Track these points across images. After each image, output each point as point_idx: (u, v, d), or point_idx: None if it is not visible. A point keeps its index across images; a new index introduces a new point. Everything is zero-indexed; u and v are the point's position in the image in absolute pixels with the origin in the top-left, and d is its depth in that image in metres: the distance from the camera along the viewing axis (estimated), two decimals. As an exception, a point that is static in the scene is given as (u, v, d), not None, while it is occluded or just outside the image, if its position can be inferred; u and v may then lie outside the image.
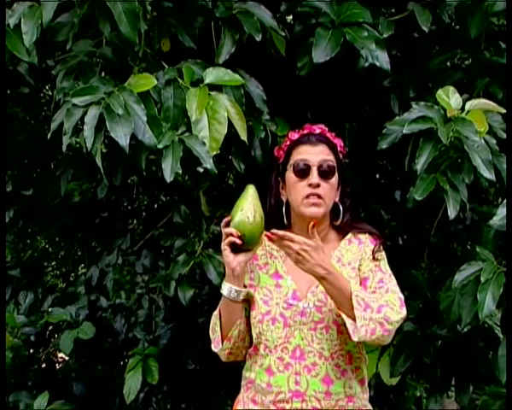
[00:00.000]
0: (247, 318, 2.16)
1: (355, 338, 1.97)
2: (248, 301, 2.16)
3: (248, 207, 2.07)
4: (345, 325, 1.99)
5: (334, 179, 2.13)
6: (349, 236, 2.20)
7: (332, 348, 2.05)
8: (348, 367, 2.08)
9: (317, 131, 2.17)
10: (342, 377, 2.06)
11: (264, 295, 2.12)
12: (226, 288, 2.10)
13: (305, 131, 2.18)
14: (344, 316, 1.98)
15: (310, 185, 2.09)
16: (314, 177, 2.09)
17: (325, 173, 2.11)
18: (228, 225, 2.07)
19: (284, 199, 2.20)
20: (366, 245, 2.17)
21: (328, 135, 2.18)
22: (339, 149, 2.19)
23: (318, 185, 2.09)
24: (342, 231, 2.21)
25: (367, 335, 1.96)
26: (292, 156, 2.16)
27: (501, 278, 2.51)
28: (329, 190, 2.12)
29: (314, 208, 2.10)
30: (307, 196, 2.10)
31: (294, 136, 2.19)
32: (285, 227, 2.17)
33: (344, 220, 2.19)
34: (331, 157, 2.14)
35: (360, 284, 2.10)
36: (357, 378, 2.11)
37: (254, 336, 2.12)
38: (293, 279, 2.12)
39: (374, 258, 2.14)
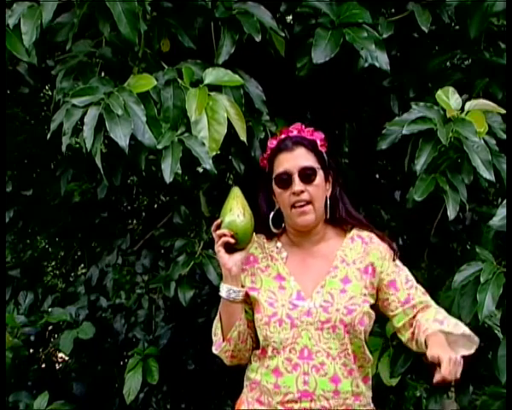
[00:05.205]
0: (249, 321, 2.16)
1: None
2: (251, 304, 2.16)
3: (237, 207, 2.10)
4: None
5: (319, 179, 2.12)
6: (352, 233, 2.18)
7: (339, 348, 2.06)
8: (354, 366, 2.09)
9: (294, 132, 2.16)
10: (349, 376, 2.07)
11: (268, 298, 2.11)
12: (224, 289, 2.12)
13: (282, 136, 2.18)
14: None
15: (294, 194, 2.10)
16: (296, 184, 2.09)
17: (307, 177, 2.10)
18: (219, 227, 2.10)
19: (277, 206, 2.18)
20: (377, 244, 2.16)
21: (306, 133, 2.17)
22: (319, 143, 2.16)
23: (302, 192, 2.09)
24: (341, 226, 2.20)
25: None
26: (274, 167, 2.16)
27: (500, 279, 2.51)
28: (316, 192, 2.11)
29: (304, 217, 2.10)
30: (294, 205, 2.10)
31: (273, 143, 2.19)
32: (278, 233, 2.20)
33: (340, 213, 2.18)
34: (311, 159, 2.13)
35: (388, 286, 2.13)
36: (361, 376, 2.12)
37: (261, 338, 2.11)
38: (297, 280, 2.12)
39: (393, 259, 2.17)
